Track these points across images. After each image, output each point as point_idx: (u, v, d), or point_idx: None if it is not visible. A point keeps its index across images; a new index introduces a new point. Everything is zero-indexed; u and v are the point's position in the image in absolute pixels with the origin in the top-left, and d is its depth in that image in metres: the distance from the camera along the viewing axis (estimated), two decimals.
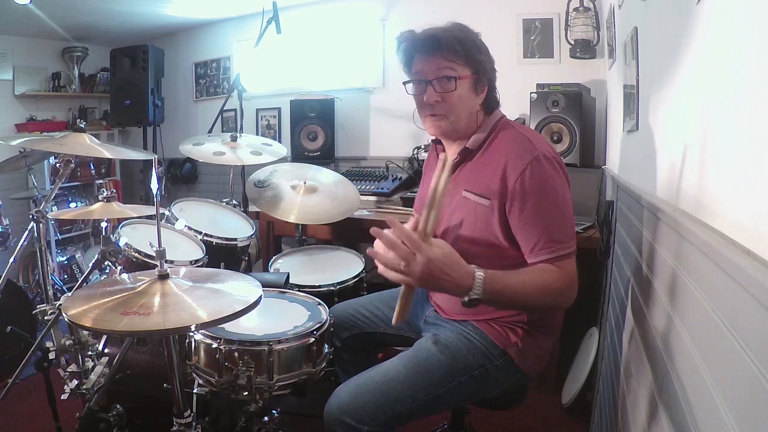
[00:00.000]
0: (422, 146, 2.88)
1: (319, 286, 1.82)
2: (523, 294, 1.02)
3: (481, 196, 1.14)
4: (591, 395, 1.94)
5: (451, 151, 1.27)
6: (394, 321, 0.98)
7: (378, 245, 0.99)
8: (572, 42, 2.70)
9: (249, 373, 1.21)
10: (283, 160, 2.23)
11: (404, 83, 1.23)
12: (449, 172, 0.95)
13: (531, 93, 2.50)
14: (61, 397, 1.42)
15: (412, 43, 1.18)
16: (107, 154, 1.54)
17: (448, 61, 1.14)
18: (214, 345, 1.23)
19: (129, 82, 3.57)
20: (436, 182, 0.95)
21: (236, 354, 1.22)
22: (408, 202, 2.44)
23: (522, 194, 1.07)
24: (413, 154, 2.90)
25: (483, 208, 1.14)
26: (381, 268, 0.97)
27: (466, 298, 0.97)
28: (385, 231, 0.97)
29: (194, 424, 1.14)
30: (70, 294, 1.36)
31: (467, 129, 1.21)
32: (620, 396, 1.22)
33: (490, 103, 1.23)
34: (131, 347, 1.50)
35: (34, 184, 2.88)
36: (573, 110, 2.41)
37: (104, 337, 1.56)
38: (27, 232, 1.77)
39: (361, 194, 2.33)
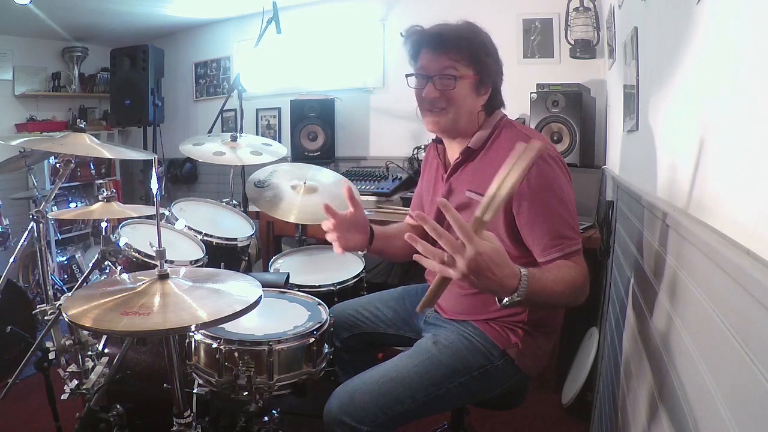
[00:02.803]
0: (422, 146, 2.88)
1: (319, 286, 1.82)
2: (555, 292, 0.96)
3: None
4: (591, 395, 1.94)
5: (452, 150, 1.28)
6: (418, 308, 0.90)
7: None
8: (572, 42, 2.70)
9: (249, 373, 1.20)
10: (283, 160, 2.23)
11: (407, 76, 1.23)
12: (530, 160, 0.79)
13: (531, 93, 2.50)
14: (61, 397, 1.42)
15: (420, 36, 1.18)
16: (107, 154, 1.54)
17: (452, 60, 1.14)
18: (214, 345, 1.23)
19: (129, 82, 3.56)
20: (509, 169, 0.81)
21: (236, 354, 1.22)
22: (408, 202, 2.43)
23: (529, 193, 1.07)
24: (413, 154, 2.90)
25: None
26: (421, 250, 0.85)
27: (507, 301, 0.89)
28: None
29: (194, 424, 1.14)
30: (70, 294, 1.36)
31: (467, 128, 1.21)
32: (620, 396, 1.21)
33: (493, 105, 1.22)
34: (131, 347, 1.50)
35: (34, 184, 2.88)
36: (573, 110, 2.41)
37: (104, 337, 1.56)
38: (27, 232, 1.77)
39: (361, 194, 2.32)
